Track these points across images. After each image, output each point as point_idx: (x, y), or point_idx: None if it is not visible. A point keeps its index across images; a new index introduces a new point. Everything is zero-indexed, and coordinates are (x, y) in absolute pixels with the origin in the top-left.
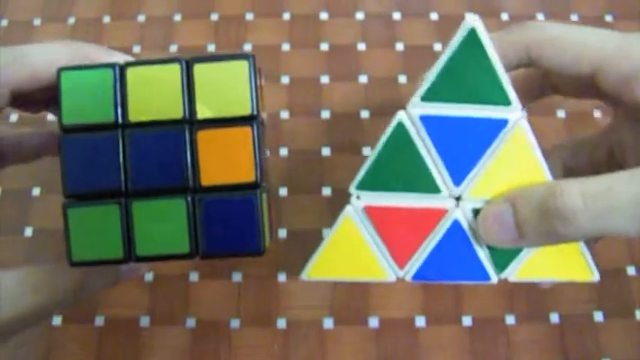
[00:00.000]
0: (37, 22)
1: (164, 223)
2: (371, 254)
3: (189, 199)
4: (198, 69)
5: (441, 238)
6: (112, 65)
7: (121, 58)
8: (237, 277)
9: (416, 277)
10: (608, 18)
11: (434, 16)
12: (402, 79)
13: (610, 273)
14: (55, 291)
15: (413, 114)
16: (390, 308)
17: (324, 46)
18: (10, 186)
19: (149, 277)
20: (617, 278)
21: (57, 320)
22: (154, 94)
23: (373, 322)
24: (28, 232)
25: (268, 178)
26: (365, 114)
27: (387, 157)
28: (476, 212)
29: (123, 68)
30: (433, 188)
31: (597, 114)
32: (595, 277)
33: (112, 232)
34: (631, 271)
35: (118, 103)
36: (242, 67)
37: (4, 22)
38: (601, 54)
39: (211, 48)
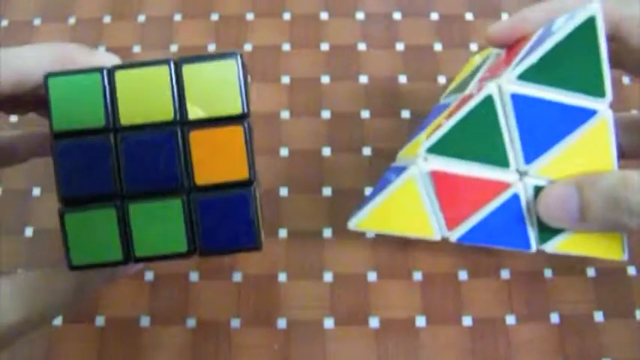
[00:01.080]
0: (37, 22)
1: (161, 223)
2: (424, 213)
3: (184, 199)
4: (187, 69)
5: (496, 208)
6: (100, 69)
7: (104, 57)
8: (237, 277)
9: (462, 239)
10: None
11: (434, 16)
12: (402, 79)
13: (610, 273)
14: (53, 295)
15: (505, 90)
16: (390, 308)
17: (325, 46)
18: (10, 186)
19: (149, 276)
20: (617, 278)
21: (57, 320)
22: (143, 97)
23: (373, 322)
24: (29, 232)
25: (257, 174)
26: (365, 114)
27: (466, 126)
28: (537, 190)
29: (111, 71)
30: (503, 163)
31: None
32: (625, 257)
33: (110, 235)
34: (631, 271)
35: (108, 107)
36: (230, 65)
37: (4, 22)
38: None
39: (211, 48)
